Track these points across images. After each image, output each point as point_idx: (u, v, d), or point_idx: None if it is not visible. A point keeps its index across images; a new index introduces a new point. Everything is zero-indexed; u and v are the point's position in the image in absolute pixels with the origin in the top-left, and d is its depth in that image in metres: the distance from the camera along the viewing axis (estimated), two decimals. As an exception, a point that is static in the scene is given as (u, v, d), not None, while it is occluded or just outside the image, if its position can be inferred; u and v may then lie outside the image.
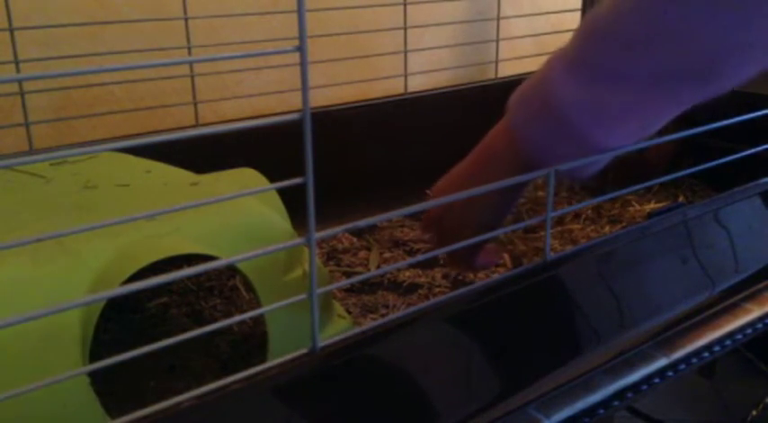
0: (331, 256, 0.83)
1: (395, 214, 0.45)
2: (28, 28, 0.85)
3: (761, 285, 0.68)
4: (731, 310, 0.65)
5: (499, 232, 0.85)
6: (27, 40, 0.86)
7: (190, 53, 0.94)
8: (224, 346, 0.64)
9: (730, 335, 0.63)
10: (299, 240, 0.40)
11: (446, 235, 0.61)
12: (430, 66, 1.21)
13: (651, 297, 0.60)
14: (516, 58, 1.25)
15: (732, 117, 0.64)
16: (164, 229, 0.52)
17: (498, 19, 1.26)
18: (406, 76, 1.11)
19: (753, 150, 0.69)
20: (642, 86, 0.49)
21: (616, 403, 0.54)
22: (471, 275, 0.78)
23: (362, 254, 0.84)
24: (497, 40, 1.25)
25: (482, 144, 0.59)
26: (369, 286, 0.75)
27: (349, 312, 0.68)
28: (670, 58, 0.47)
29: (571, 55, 0.50)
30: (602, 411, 0.54)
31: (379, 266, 0.80)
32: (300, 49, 0.36)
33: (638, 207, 0.94)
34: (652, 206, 0.95)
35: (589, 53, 0.49)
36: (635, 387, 0.56)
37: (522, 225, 0.88)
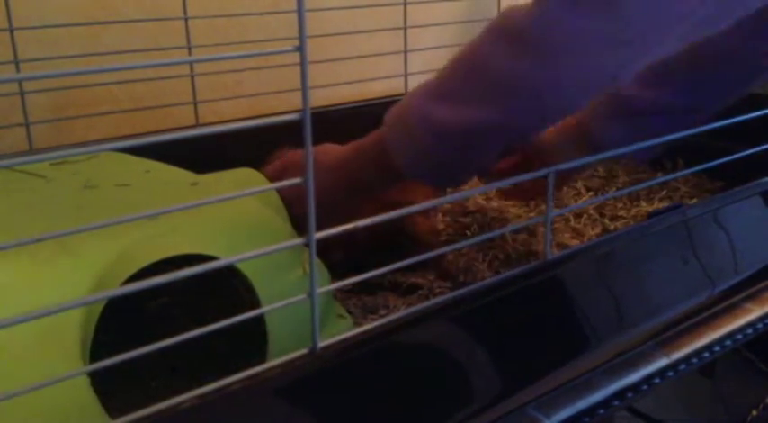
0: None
1: (395, 214, 0.45)
2: (28, 28, 0.85)
3: (761, 285, 0.68)
4: (731, 310, 0.65)
5: (499, 232, 0.85)
6: (27, 40, 0.86)
7: (190, 53, 0.94)
8: (224, 346, 0.64)
9: (730, 335, 0.63)
10: (298, 240, 0.40)
11: None
12: (430, 66, 1.20)
13: (651, 297, 0.60)
14: (516, 58, 1.25)
15: (732, 117, 0.64)
16: (164, 229, 0.52)
17: (498, 19, 1.26)
18: (406, 76, 1.11)
19: (753, 150, 0.69)
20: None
21: (616, 403, 0.54)
22: (462, 278, 0.78)
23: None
24: (497, 40, 1.25)
25: (356, 144, 0.68)
26: (369, 287, 0.75)
27: (349, 312, 0.68)
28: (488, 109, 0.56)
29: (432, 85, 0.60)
30: (602, 411, 0.54)
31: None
32: (300, 49, 0.36)
33: (638, 207, 0.94)
34: (652, 206, 0.95)
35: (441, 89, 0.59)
36: (635, 387, 0.56)
37: (522, 225, 0.88)
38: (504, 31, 0.55)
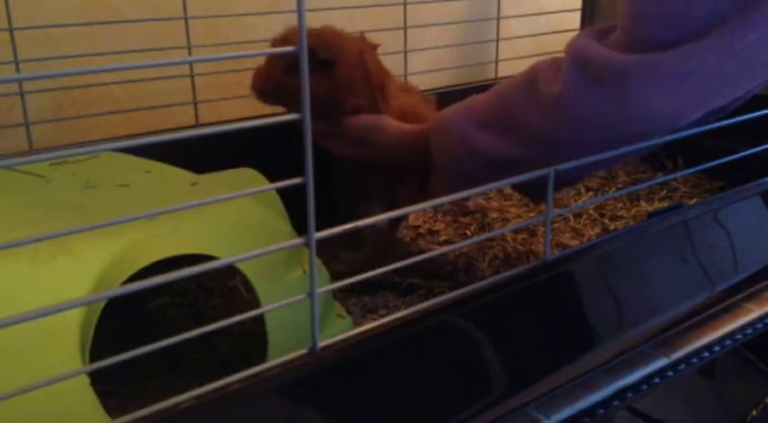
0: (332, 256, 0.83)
1: (395, 214, 0.45)
2: (28, 28, 0.85)
3: (761, 285, 0.68)
4: (731, 310, 0.65)
5: (499, 232, 0.85)
6: (27, 40, 0.86)
7: (190, 53, 0.94)
8: (224, 346, 0.64)
9: (730, 335, 0.63)
10: (298, 240, 0.40)
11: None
12: (430, 66, 1.21)
13: (651, 297, 0.60)
14: (516, 59, 1.25)
15: (732, 117, 0.64)
16: (164, 229, 0.52)
17: (498, 19, 1.26)
18: (405, 77, 1.10)
19: (753, 150, 0.69)
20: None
21: (616, 403, 0.54)
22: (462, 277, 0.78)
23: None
24: (497, 40, 1.25)
25: (410, 130, 0.74)
26: (369, 286, 0.75)
27: (349, 312, 0.68)
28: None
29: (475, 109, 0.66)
30: (602, 411, 0.54)
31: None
32: (300, 49, 0.36)
33: (638, 207, 0.94)
34: (652, 206, 0.95)
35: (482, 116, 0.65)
36: (635, 387, 0.56)
37: (522, 225, 0.88)
38: (533, 87, 0.60)
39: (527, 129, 0.61)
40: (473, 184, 0.66)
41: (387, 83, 0.80)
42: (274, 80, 0.76)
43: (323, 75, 0.74)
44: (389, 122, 0.75)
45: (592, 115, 0.56)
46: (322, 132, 0.74)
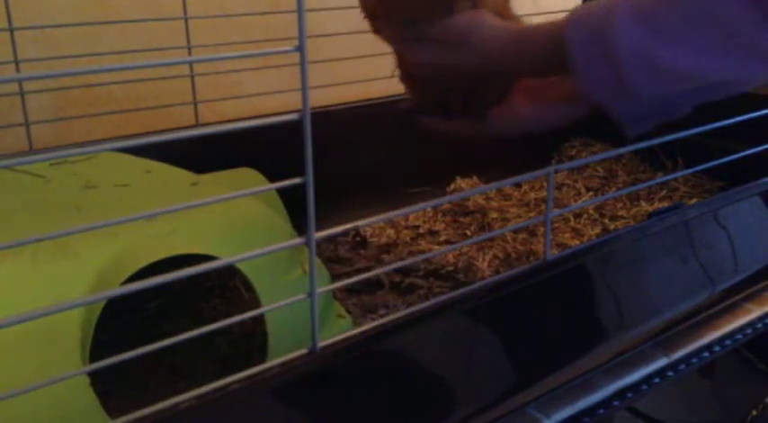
0: (331, 256, 0.83)
1: (395, 214, 0.45)
2: (28, 28, 0.85)
3: (761, 285, 0.68)
4: (731, 310, 0.65)
5: (499, 232, 0.85)
6: (27, 40, 0.86)
7: (190, 53, 0.94)
8: (224, 346, 0.64)
9: (730, 335, 0.63)
10: (298, 240, 0.40)
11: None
12: (430, 66, 1.21)
13: (651, 297, 0.60)
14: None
15: (732, 117, 0.64)
16: (164, 229, 0.52)
17: (498, 19, 1.26)
18: (406, 76, 1.10)
19: (753, 150, 0.69)
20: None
21: (616, 403, 0.54)
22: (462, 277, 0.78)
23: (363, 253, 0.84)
24: (497, 40, 1.25)
25: (525, 32, 0.60)
26: (369, 286, 0.75)
27: (349, 312, 0.68)
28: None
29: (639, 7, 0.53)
30: (602, 411, 0.54)
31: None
32: (300, 49, 0.36)
33: (638, 207, 0.94)
34: (652, 206, 0.95)
35: (656, 12, 0.53)
36: (635, 387, 0.56)
37: (522, 225, 0.89)
38: None
39: (739, 39, 0.50)
40: (634, 104, 0.55)
41: None
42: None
43: None
44: (495, 22, 0.61)
45: None
46: (403, 38, 0.66)
